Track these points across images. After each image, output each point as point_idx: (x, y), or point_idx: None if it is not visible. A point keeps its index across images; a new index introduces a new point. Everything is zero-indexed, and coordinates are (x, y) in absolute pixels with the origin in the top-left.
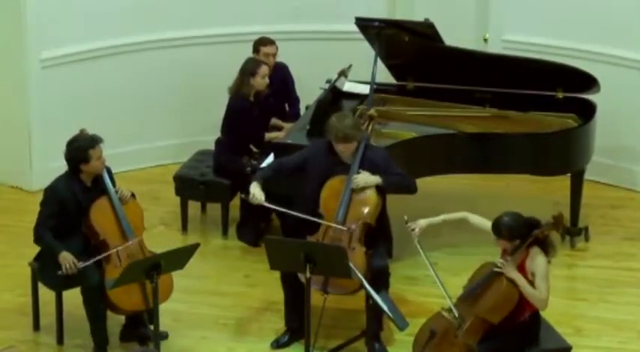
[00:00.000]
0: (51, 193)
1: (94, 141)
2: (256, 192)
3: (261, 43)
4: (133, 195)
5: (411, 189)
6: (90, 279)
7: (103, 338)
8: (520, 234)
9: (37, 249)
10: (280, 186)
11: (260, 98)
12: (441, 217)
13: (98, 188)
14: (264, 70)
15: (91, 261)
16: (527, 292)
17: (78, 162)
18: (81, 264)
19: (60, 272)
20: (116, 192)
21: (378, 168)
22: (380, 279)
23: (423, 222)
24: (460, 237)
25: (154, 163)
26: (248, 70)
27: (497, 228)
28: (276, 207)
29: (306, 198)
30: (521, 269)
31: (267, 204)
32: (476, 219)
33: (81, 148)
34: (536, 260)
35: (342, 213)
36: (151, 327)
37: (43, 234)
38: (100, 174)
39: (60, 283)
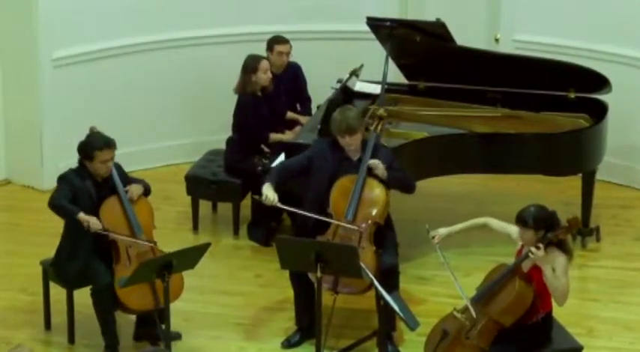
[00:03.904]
0: (64, 181)
1: (105, 143)
2: (269, 193)
3: (276, 41)
4: (148, 192)
5: (411, 189)
6: (100, 280)
7: (113, 338)
8: (545, 224)
9: (48, 248)
10: (292, 185)
11: (268, 94)
12: (462, 225)
13: (108, 185)
14: (264, 64)
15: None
16: (552, 283)
17: (82, 157)
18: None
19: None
20: (126, 191)
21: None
22: (390, 278)
23: (443, 231)
24: (471, 236)
25: (165, 163)
26: (249, 67)
27: (524, 218)
28: (289, 208)
29: (315, 197)
30: (536, 269)
31: (279, 205)
32: (497, 224)
33: (89, 145)
34: (556, 257)
35: (351, 212)
36: (163, 327)
37: (59, 200)
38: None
39: (75, 280)
